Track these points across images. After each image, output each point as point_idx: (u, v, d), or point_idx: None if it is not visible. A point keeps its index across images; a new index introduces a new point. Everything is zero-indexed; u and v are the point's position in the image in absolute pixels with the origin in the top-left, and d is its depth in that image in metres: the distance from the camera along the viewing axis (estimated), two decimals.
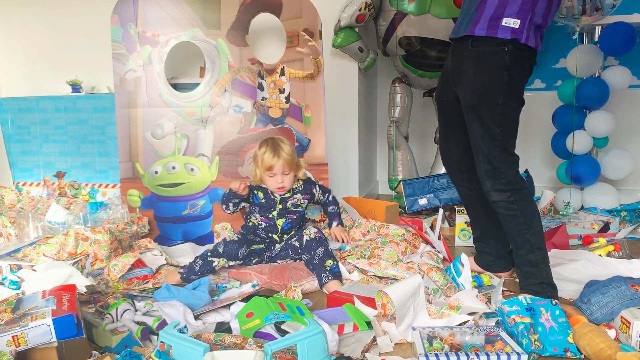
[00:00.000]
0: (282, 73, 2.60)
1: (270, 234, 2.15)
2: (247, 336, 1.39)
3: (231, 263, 2.04)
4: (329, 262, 1.90)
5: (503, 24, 1.57)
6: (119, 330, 1.45)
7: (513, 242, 1.72)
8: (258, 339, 1.37)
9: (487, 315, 1.56)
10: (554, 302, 1.39)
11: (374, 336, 1.44)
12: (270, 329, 1.43)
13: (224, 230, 2.51)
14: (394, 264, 1.93)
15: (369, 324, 1.56)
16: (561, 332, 1.36)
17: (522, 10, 1.56)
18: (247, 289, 1.79)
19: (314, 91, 2.62)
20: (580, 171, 2.84)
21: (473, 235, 2.04)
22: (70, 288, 1.48)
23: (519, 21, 1.56)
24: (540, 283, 1.66)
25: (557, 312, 1.38)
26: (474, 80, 1.62)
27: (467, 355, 1.23)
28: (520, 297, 1.41)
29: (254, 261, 2.10)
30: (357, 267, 1.98)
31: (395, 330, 1.46)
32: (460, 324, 1.46)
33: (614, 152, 2.90)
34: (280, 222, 2.14)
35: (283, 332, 1.42)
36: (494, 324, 1.44)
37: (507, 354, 1.24)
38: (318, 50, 2.59)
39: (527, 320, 1.36)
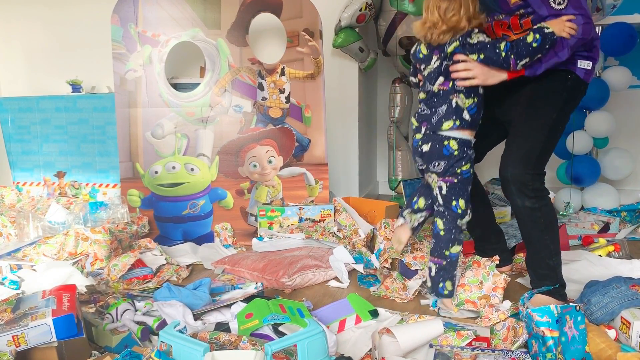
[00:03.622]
0: (282, 73, 2.60)
1: None
2: (243, 335, 1.39)
3: None
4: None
5: (579, 66, 1.62)
6: (119, 330, 1.45)
7: (531, 246, 1.71)
8: (252, 338, 1.37)
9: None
10: (578, 308, 1.38)
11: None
12: (267, 330, 1.44)
13: (224, 230, 2.51)
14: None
15: (373, 312, 1.55)
16: (580, 341, 1.34)
17: (593, 53, 1.63)
18: (251, 289, 1.79)
19: (314, 91, 2.62)
20: (580, 171, 2.84)
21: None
22: (70, 288, 1.48)
23: (591, 63, 1.63)
24: (554, 285, 1.67)
25: (579, 319, 1.37)
26: (531, 96, 1.63)
27: None
28: (552, 306, 1.39)
29: None
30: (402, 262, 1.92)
31: None
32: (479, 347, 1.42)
33: (614, 152, 2.91)
34: None
35: (280, 334, 1.42)
36: (520, 348, 1.39)
37: None
38: (318, 50, 2.59)
39: (556, 334, 1.34)
